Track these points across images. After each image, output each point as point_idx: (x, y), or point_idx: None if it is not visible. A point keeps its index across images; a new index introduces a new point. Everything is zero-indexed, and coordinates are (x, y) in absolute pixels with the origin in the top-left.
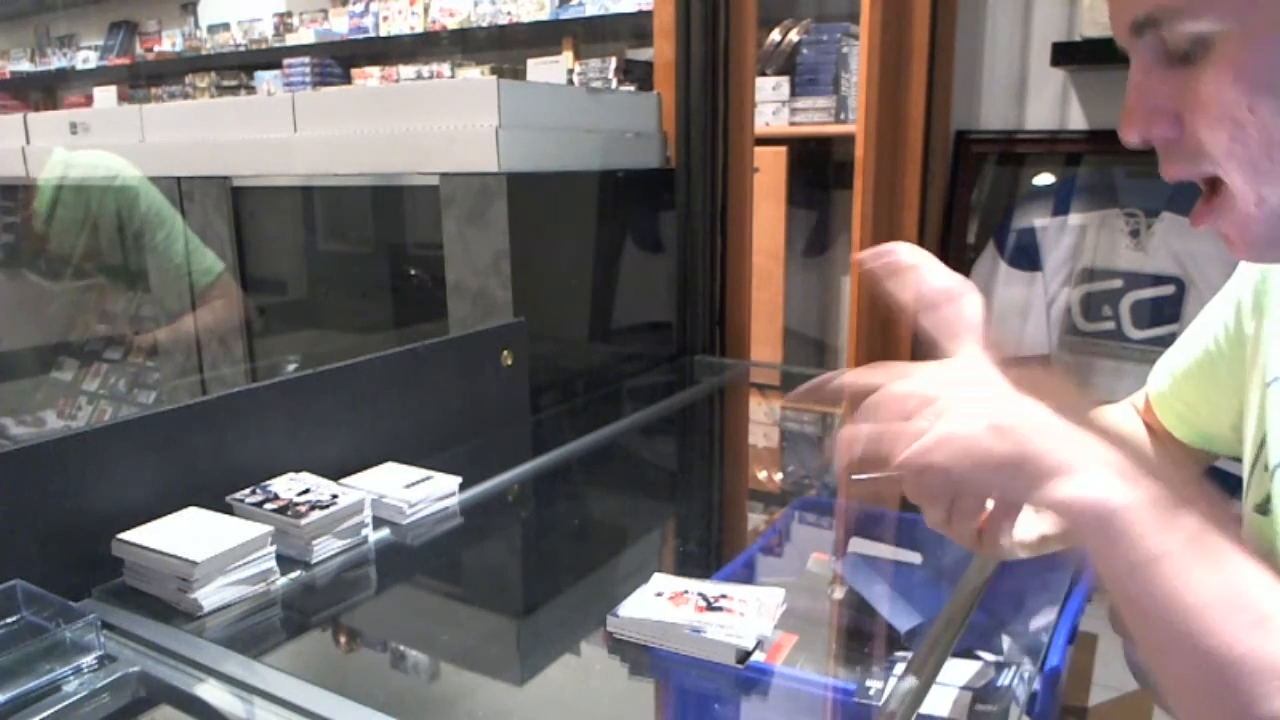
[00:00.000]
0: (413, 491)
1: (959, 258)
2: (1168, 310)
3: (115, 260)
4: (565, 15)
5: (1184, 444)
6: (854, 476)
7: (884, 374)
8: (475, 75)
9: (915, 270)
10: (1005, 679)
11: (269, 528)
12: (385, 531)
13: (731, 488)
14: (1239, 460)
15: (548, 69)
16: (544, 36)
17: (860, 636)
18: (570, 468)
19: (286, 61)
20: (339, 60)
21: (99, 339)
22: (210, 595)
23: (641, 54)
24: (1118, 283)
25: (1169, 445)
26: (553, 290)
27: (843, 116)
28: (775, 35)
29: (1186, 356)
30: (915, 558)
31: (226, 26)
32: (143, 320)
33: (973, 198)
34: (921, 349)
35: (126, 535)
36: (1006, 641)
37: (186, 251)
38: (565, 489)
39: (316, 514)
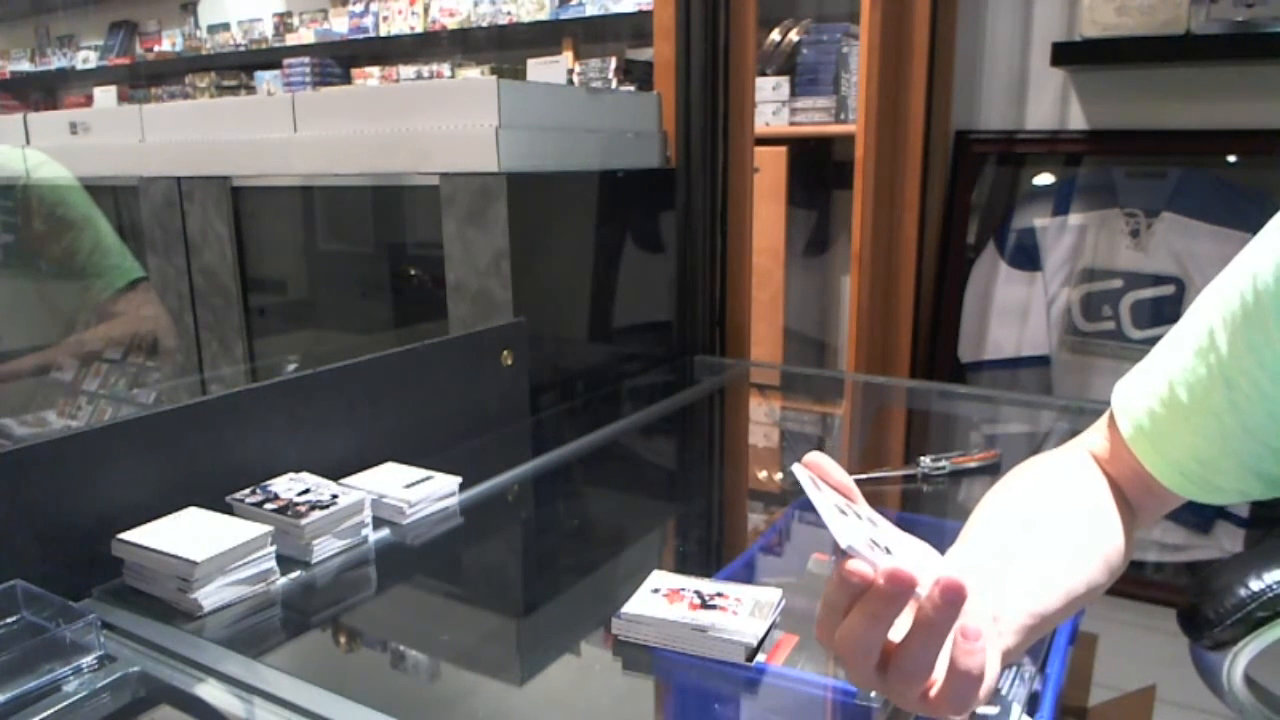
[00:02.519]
0: (413, 491)
1: (959, 258)
2: (1168, 310)
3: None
4: (565, 15)
5: (1169, 489)
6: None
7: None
8: (475, 75)
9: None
10: (1005, 679)
11: (269, 528)
12: (385, 531)
13: (731, 488)
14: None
15: (548, 69)
16: (544, 36)
17: None
18: (570, 468)
19: (286, 61)
20: (339, 60)
21: None
22: (210, 595)
23: (641, 54)
24: (1118, 283)
25: (1154, 490)
26: (553, 290)
27: (843, 116)
28: (775, 35)
29: (1179, 388)
30: None
31: (226, 26)
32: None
33: (973, 198)
34: (922, 349)
35: (126, 535)
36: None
37: (119, 253)
38: (565, 489)
39: (316, 514)
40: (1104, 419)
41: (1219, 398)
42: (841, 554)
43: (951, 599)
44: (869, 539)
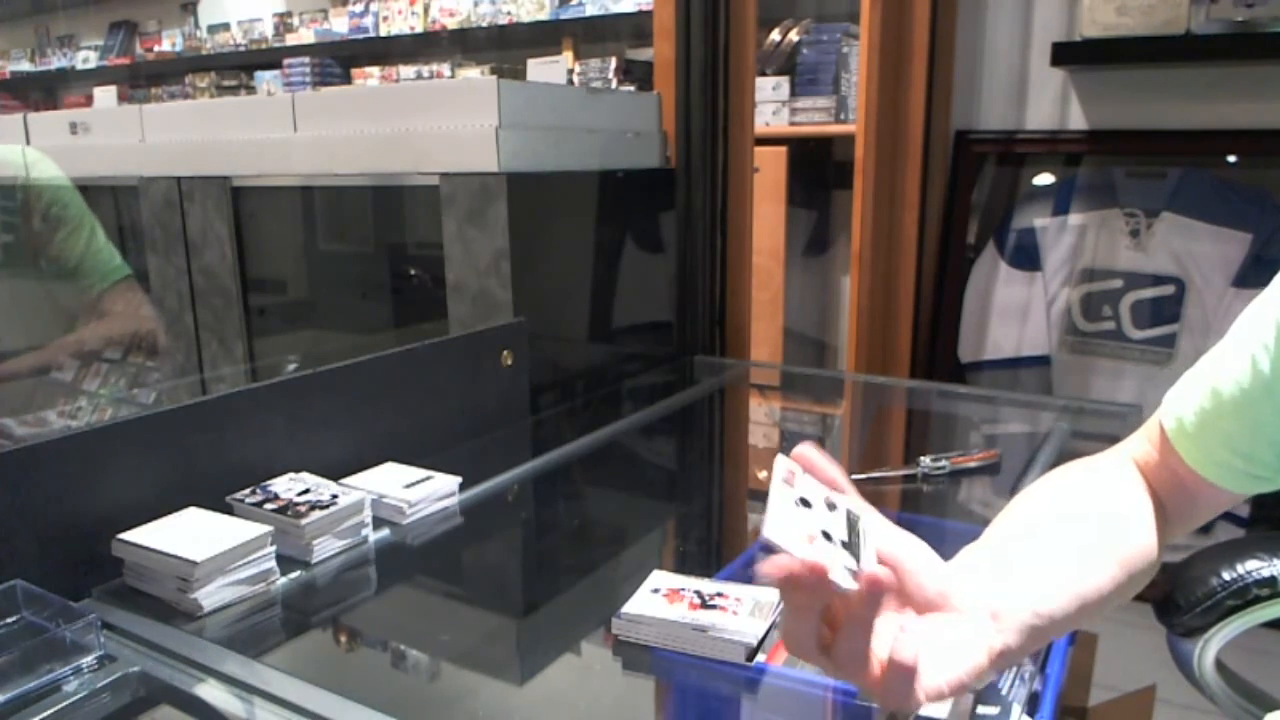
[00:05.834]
0: (413, 491)
1: (959, 258)
2: (1168, 310)
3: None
4: (565, 15)
5: (1215, 485)
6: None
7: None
8: (475, 75)
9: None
10: (1006, 680)
11: (269, 528)
12: (385, 531)
13: (731, 488)
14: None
15: (548, 69)
16: (544, 36)
17: None
18: (570, 468)
19: (286, 61)
20: (339, 60)
21: None
22: (210, 595)
23: (641, 54)
24: (1118, 283)
25: (1190, 489)
26: (553, 290)
27: (843, 116)
28: (775, 35)
29: (1221, 385)
30: None
31: (226, 26)
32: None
33: (973, 198)
34: (922, 349)
35: (126, 535)
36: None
37: (103, 249)
38: (565, 489)
39: (316, 514)
40: (1148, 424)
41: (1260, 389)
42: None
43: (873, 592)
44: (811, 533)
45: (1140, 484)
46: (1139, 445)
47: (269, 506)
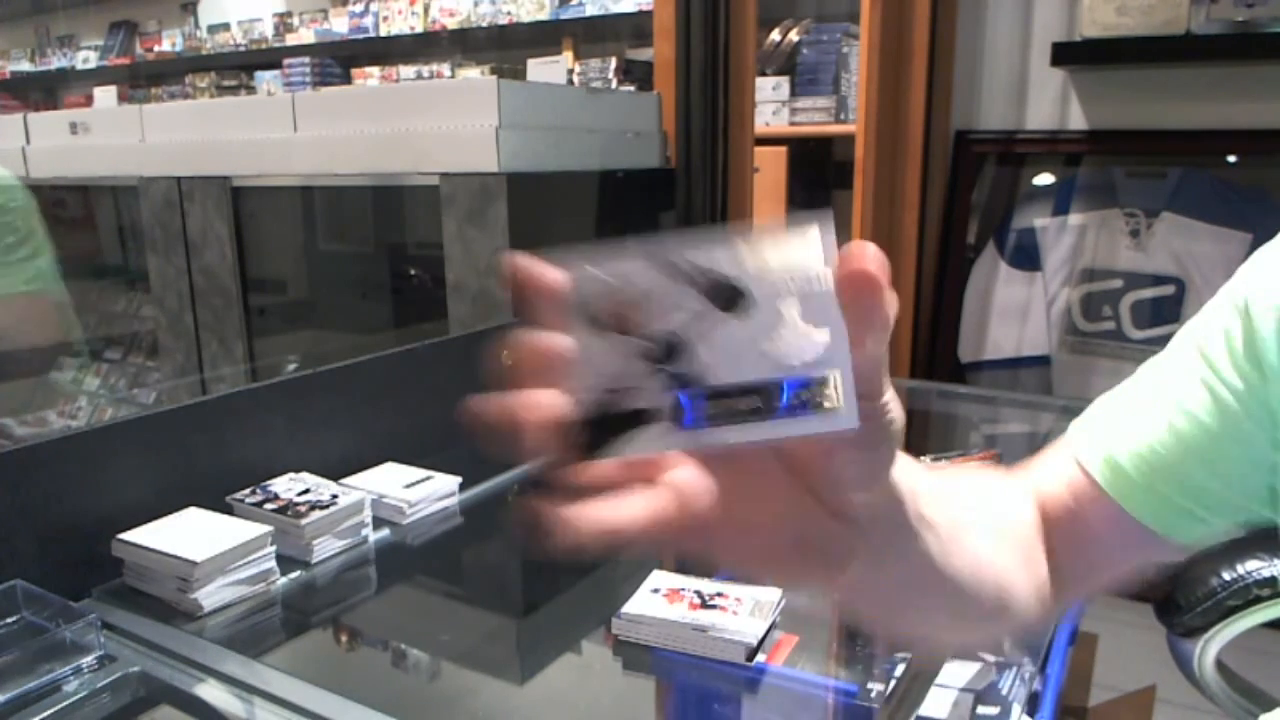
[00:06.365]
0: (413, 491)
1: (959, 258)
2: (1168, 310)
3: None
4: (565, 15)
5: (1160, 536)
6: None
7: None
8: (475, 75)
9: None
10: (1006, 680)
11: (269, 528)
12: (385, 531)
13: None
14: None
15: (548, 69)
16: (544, 36)
17: (861, 637)
18: None
19: (286, 61)
20: (339, 60)
21: None
22: (210, 595)
23: (641, 54)
24: (1118, 283)
25: (1113, 542)
26: None
27: (843, 116)
28: (775, 35)
29: (1176, 420)
30: None
31: (226, 26)
32: None
33: (973, 198)
34: (922, 349)
35: (126, 535)
36: (1007, 642)
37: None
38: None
39: (316, 514)
40: (1054, 466)
41: (1220, 421)
42: None
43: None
44: (654, 308)
45: (1036, 539)
46: (1051, 486)
47: (269, 506)
